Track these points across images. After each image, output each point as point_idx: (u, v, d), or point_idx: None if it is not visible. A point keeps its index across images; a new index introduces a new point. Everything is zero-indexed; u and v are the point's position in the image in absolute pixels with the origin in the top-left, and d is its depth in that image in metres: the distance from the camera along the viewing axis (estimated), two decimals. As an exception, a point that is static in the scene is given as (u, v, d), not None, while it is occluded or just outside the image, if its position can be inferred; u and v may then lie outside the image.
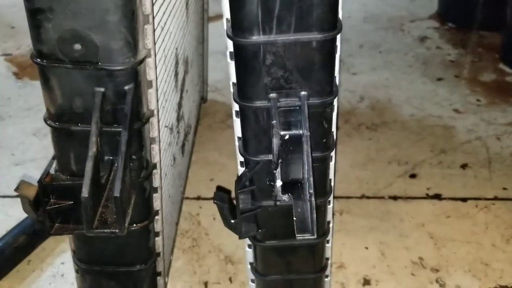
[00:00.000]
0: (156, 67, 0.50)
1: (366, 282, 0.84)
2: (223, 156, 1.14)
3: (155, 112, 0.51)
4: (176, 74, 0.75)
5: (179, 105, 0.82)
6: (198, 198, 1.03)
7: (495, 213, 0.95)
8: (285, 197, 0.49)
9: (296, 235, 0.45)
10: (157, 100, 0.51)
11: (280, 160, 0.46)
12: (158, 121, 0.53)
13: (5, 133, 1.20)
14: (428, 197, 1.00)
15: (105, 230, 0.43)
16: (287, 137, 0.45)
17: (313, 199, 0.43)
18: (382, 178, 1.05)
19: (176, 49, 0.74)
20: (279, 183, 0.48)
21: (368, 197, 1.00)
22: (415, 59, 1.49)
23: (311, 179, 0.43)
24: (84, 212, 0.42)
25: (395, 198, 1.00)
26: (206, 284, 0.84)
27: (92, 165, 0.42)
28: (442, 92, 1.33)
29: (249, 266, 0.64)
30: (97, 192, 0.44)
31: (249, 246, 0.62)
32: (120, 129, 0.47)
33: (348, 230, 0.94)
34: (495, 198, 0.98)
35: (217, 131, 1.23)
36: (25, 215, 0.92)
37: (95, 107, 0.45)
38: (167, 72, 0.64)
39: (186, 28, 0.86)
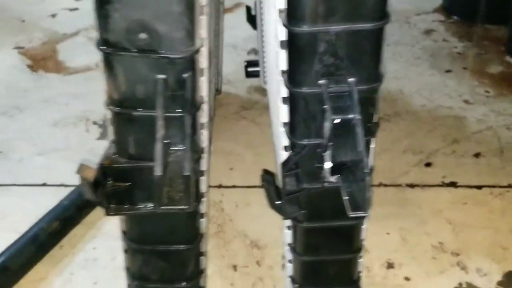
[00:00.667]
0: (206, 57, 0.52)
1: (390, 265, 0.88)
2: (239, 146, 1.17)
3: (205, 99, 0.54)
4: (210, 66, 0.78)
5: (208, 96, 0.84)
6: (220, 186, 1.06)
7: (510, 200, 0.99)
8: (333, 179, 0.52)
9: (350, 213, 0.48)
10: (207, 88, 0.54)
11: (330, 143, 0.49)
12: (208, 108, 0.56)
13: (26, 124, 1.22)
14: (444, 184, 1.03)
15: (174, 207, 0.46)
16: (337, 121, 0.48)
17: (369, 178, 0.46)
18: (398, 167, 1.08)
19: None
20: (328, 165, 0.51)
21: (385, 185, 1.04)
22: (422, 51, 1.52)
23: (366, 159, 0.45)
24: (156, 190, 0.45)
25: (412, 186, 1.03)
26: (235, 267, 0.87)
27: (161, 147, 0.45)
28: (451, 84, 1.36)
29: (287, 247, 0.67)
30: (164, 172, 0.46)
31: (288, 228, 0.65)
32: (178, 114, 0.50)
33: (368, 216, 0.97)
34: (509, 186, 1.02)
35: (232, 122, 1.25)
36: (55, 202, 0.95)
37: (159, 93, 0.47)
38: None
39: (210, 20, 0.89)
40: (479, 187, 1.02)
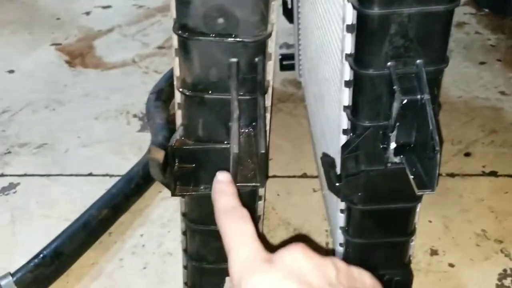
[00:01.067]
0: (274, 41, 0.54)
1: (434, 252, 0.89)
2: (278, 137, 1.19)
3: (271, 83, 0.56)
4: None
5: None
6: (261, 176, 1.07)
7: (552, 188, 0.99)
8: (397, 159, 0.53)
9: (417, 191, 0.49)
10: (273, 72, 0.56)
11: (397, 123, 0.50)
12: (272, 94, 0.57)
13: (68, 117, 1.25)
14: (484, 174, 1.04)
15: (248, 184, 0.48)
16: (405, 101, 0.49)
17: (438, 155, 0.47)
18: (437, 156, 1.09)
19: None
20: (393, 145, 0.53)
21: (425, 174, 1.04)
22: (455, 44, 1.52)
23: (437, 137, 0.47)
24: (233, 167, 0.47)
25: (452, 175, 1.04)
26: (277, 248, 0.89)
27: (237, 126, 0.47)
28: (486, 75, 1.36)
29: (339, 230, 0.68)
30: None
31: (342, 211, 0.67)
32: (249, 97, 0.52)
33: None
34: (551, 174, 1.02)
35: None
36: (100, 192, 0.98)
37: (232, 76, 0.49)
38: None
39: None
40: (521, 177, 1.02)
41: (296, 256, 0.37)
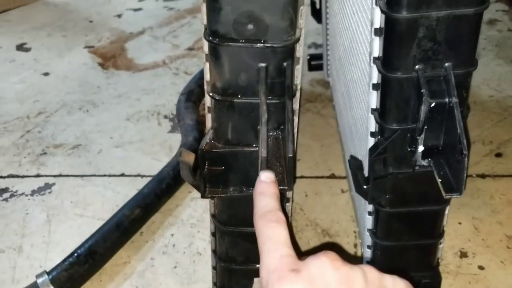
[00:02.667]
0: (302, 46, 0.55)
1: (463, 254, 0.88)
2: (306, 138, 1.19)
3: (299, 87, 0.57)
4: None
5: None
6: (289, 177, 1.08)
7: None
8: (425, 162, 0.53)
9: (444, 195, 0.49)
10: (301, 72, 0.56)
11: (425, 127, 0.50)
12: (300, 96, 0.58)
13: (101, 118, 1.29)
14: (516, 175, 1.02)
15: (276, 188, 0.49)
16: (433, 104, 0.49)
17: (466, 159, 0.47)
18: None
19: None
20: (421, 148, 0.53)
21: (455, 175, 1.03)
22: (487, 41, 1.50)
23: (465, 141, 0.47)
24: (261, 170, 0.48)
25: (483, 176, 1.03)
26: (307, 254, 0.90)
27: (266, 130, 0.48)
28: (519, 74, 1.34)
29: (367, 233, 0.69)
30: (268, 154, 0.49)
31: (369, 214, 0.67)
32: (276, 101, 0.53)
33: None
34: None
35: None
36: (133, 191, 1.00)
37: (261, 80, 0.50)
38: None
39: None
40: (554, 178, 1.00)
41: (324, 266, 0.37)
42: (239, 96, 0.53)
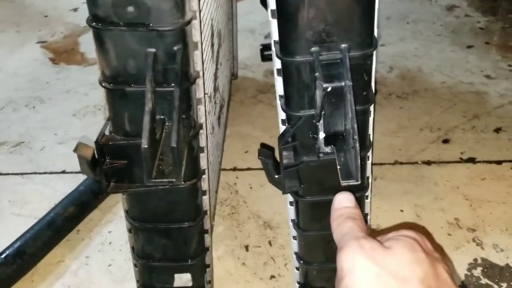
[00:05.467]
0: (201, 30, 0.52)
1: (403, 242, 0.86)
2: (256, 130, 1.17)
3: (201, 73, 0.54)
4: (212, 45, 0.78)
5: (215, 76, 0.84)
6: (235, 169, 1.06)
7: (531, 174, 0.96)
8: (328, 149, 0.51)
9: (341, 181, 0.47)
10: (203, 62, 0.54)
11: (323, 112, 0.48)
12: (204, 83, 0.55)
13: (47, 114, 1.25)
14: (462, 161, 1.01)
15: (163, 180, 0.46)
16: (329, 89, 0.47)
17: (357, 145, 0.45)
18: (414, 144, 1.06)
19: (212, 20, 0.76)
20: (322, 135, 0.51)
21: (401, 163, 1.02)
22: (443, 27, 1.49)
23: (355, 126, 0.45)
24: (144, 162, 0.45)
25: (428, 163, 1.01)
26: (247, 247, 0.88)
27: (149, 120, 0.45)
28: (472, 59, 1.32)
29: (291, 224, 0.66)
30: (154, 145, 0.47)
31: (291, 204, 0.65)
32: (170, 89, 0.50)
33: (382, 194, 0.96)
34: (531, 159, 0.99)
35: (249, 106, 1.25)
36: (72, 188, 0.97)
37: (148, 66, 0.47)
38: (204, 41, 0.67)
39: (218, 0, 0.88)
40: (499, 162, 0.99)
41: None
42: (131, 85, 0.50)
